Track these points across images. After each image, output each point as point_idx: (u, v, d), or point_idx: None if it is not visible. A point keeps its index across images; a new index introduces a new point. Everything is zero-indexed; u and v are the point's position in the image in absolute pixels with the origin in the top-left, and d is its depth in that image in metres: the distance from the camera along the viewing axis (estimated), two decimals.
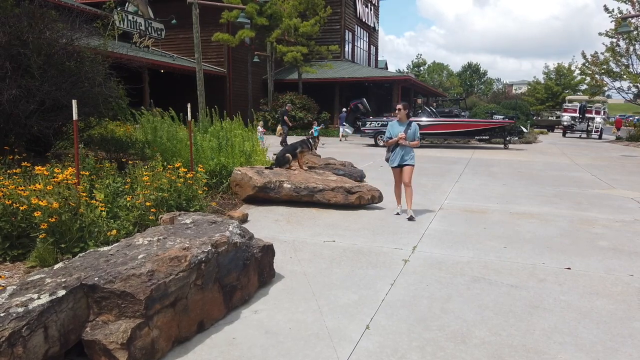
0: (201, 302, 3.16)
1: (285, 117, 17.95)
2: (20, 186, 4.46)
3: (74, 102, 4.86)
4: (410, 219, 6.21)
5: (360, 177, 8.85)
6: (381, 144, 18.21)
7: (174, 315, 2.96)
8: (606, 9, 24.02)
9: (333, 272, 4.30)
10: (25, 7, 6.94)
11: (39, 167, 4.81)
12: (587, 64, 26.89)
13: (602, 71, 26.04)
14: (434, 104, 33.04)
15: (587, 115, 28.12)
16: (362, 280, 4.11)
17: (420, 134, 22.85)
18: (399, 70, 65.78)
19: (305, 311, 3.50)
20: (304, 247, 5.04)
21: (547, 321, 3.39)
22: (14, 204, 4.17)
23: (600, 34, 24.73)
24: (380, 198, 7.05)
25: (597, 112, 28.37)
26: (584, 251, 5.04)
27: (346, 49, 33.16)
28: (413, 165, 6.40)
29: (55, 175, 4.66)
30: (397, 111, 6.49)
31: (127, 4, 21.38)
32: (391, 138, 6.39)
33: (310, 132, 18.97)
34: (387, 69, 49.66)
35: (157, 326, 2.83)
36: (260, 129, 18.24)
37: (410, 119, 6.54)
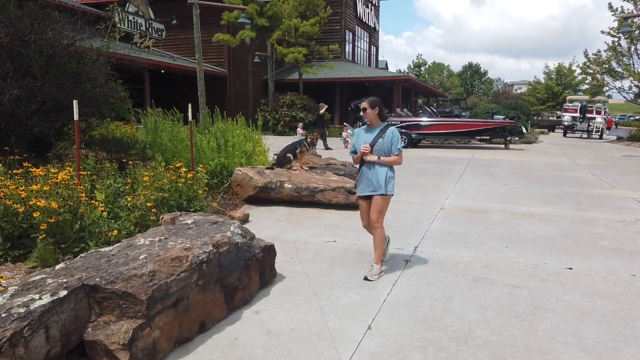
0: (202, 302, 3.16)
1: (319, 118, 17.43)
2: (21, 187, 4.46)
3: (75, 102, 4.86)
4: (366, 278, 4.12)
5: None
6: None
7: (176, 315, 2.96)
8: (610, 7, 24.00)
9: (334, 273, 4.30)
10: (27, 8, 6.94)
11: (35, 169, 4.81)
12: (588, 63, 26.86)
13: (604, 70, 26.01)
14: (435, 104, 33.03)
15: (588, 115, 28.09)
16: (364, 281, 4.10)
17: (421, 134, 22.27)
18: (399, 70, 65.92)
19: (306, 311, 3.50)
20: (305, 247, 5.04)
21: (549, 321, 3.38)
22: (15, 205, 4.17)
23: (602, 32, 24.71)
24: None
25: (598, 112, 28.34)
26: (585, 251, 5.04)
27: (346, 49, 33.16)
28: (385, 195, 4.15)
29: (52, 175, 4.66)
30: (362, 112, 4.24)
31: (127, 4, 21.39)
32: (356, 152, 4.31)
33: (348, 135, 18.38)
34: (387, 69, 49.66)
35: (159, 326, 2.82)
36: (300, 130, 17.61)
37: (388, 122, 4.41)
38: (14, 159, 5.73)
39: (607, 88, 27.77)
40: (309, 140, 8.23)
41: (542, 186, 9.24)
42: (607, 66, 25.73)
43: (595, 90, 28.47)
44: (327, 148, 16.31)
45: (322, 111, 17.55)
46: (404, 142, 18.09)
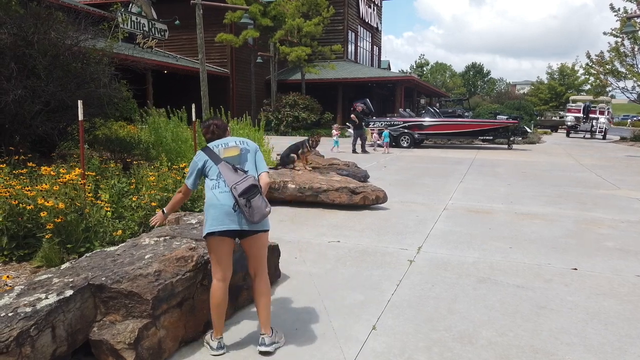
0: (208, 302, 3.16)
1: (352, 116, 16.26)
2: (27, 186, 4.48)
3: (79, 102, 4.87)
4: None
5: (364, 177, 8.84)
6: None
7: (181, 315, 2.96)
8: (612, 7, 23.90)
9: (338, 273, 4.30)
10: (31, 8, 6.96)
11: (45, 168, 4.82)
12: (591, 64, 26.76)
13: (607, 71, 25.91)
14: (437, 104, 33.00)
15: (591, 115, 28.02)
16: (368, 281, 4.10)
17: (424, 134, 21.83)
18: (401, 70, 65.82)
19: (311, 311, 3.50)
20: (309, 247, 5.04)
21: (554, 322, 3.38)
22: (21, 204, 4.18)
23: (605, 33, 24.62)
24: (384, 198, 7.03)
25: (602, 112, 28.25)
26: (590, 252, 5.02)
27: (349, 49, 33.16)
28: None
29: (61, 175, 4.67)
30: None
31: (130, 4, 21.43)
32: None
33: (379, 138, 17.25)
34: (389, 69, 49.60)
35: (164, 326, 2.83)
36: (334, 132, 16.71)
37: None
38: (19, 159, 5.75)
39: (610, 88, 27.68)
40: (311, 141, 8.24)
41: (545, 186, 9.22)
42: (610, 67, 25.63)
43: (599, 90, 28.37)
44: (363, 151, 15.59)
45: (359, 109, 16.38)
46: (407, 142, 18.10)
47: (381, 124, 18.51)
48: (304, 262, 4.54)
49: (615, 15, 23.79)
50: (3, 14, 6.66)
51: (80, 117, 4.91)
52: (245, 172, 2.96)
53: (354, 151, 15.66)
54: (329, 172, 8.25)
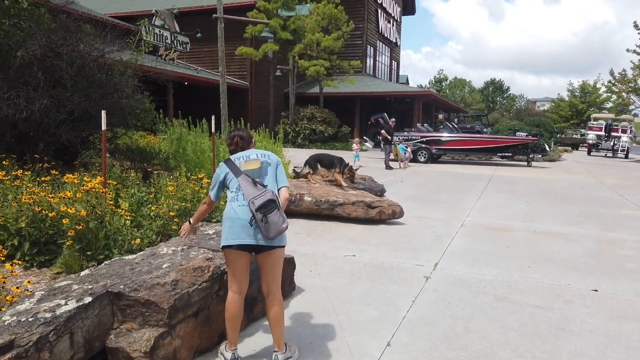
0: (223, 312, 3.17)
1: (383, 132, 15.71)
2: (50, 194, 4.57)
3: (103, 112, 4.99)
4: None
5: (380, 191, 8.82)
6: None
7: (196, 325, 2.98)
8: (636, 25, 23.61)
9: (353, 287, 4.28)
10: (61, 21, 7.18)
11: (69, 175, 4.92)
12: (613, 82, 26.41)
13: (630, 89, 25.52)
14: (455, 120, 32.83)
15: (613, 133, 27.54)
16: (383, 296, 4.07)
17: (442, 149, 21.29)
18: (419, 85, 65.72)
19: (325, 326, 3.49)
20: (324, 261, 5.03)
21: (573, 344, 3.30)
22: (43, 211, 4.27)
23: (628, 50, 24.33)
24: (401, 213, 7.00)
25: (624, 131, 27.74)
26: (611, 273, 4.91)
27: (368, 63, 33.31)
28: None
29: (84, 183, 4.76)
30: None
31: (154, 17, 21.92)
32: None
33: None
34: (408, 83, 49.62)
35: (180, 336, 2.85)
36: (355, 145, 16.45)
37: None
38: (42, 166, 5.89)
39: (633, 106, 27.25)
40: (347, 168, 8.25)
41: (566, 205, 9.07)
42: (633, 85, 25.25)
43: (621, 108, 27.93)
44: (387, 167, 15.17)
45: (392, 125, 15.84)
46: (424, 157, 18.00)
47: (398, 139, 18.46)
48: (319, 276, 4.54)
49: (638, 34, 23.53)
50: (34, 26, 6.88)
51: (104, 127, 5.02)
52: (265, 186, 2.93)
53: (391, 167, 15.43)
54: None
